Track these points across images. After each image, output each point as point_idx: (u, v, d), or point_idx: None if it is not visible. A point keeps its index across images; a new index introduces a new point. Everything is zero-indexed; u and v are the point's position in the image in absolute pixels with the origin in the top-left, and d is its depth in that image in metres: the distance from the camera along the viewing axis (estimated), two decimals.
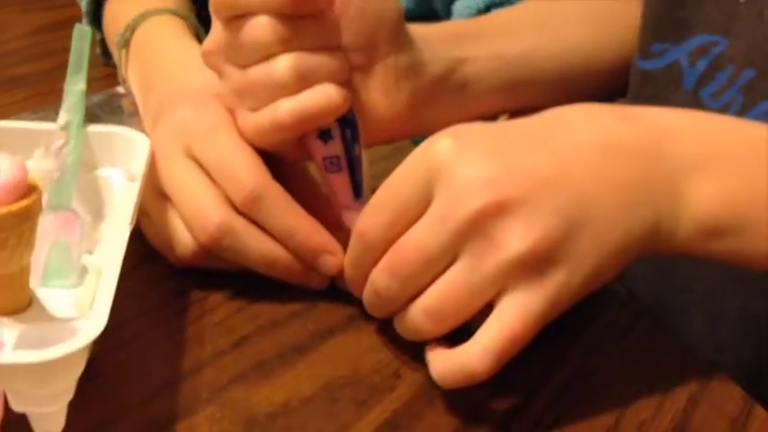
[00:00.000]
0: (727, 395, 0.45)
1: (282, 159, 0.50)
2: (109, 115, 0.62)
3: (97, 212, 0.48)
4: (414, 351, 0.46)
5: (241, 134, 0.48)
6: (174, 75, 0.55)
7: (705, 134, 0.43)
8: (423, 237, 0.40)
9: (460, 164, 0.40)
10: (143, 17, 0.61)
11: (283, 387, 0.43)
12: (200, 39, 0.61)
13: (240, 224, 0.46)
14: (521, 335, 0.40)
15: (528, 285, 0.39)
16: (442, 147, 0.41)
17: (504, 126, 0.43)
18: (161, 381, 0.43)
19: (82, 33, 0.50)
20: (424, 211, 0.41)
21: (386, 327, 0.48)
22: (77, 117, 0.48)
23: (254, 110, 0.47)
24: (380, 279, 0.42)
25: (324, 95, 0.46)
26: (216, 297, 0.48)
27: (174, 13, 0.62)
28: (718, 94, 0.56)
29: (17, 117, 0.62)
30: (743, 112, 0.54)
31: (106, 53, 0.70)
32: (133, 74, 0.61)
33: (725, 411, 0.44)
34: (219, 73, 0.48)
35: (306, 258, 0.48)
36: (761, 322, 0.58)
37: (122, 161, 0.49)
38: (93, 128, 0.50)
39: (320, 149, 0.48)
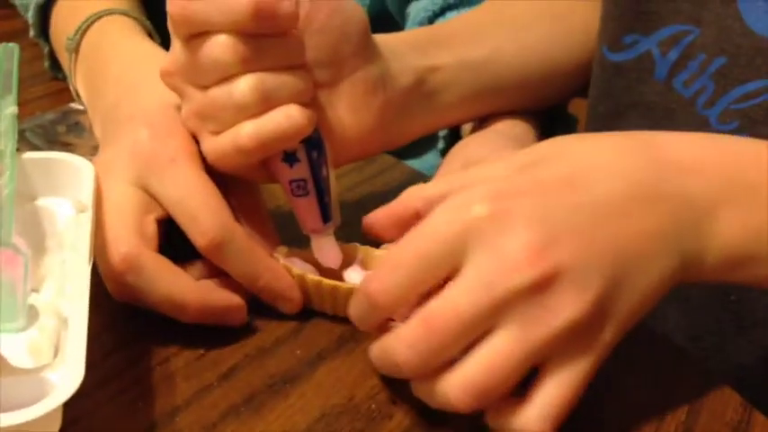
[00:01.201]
0: (725, 403, 0.45)
1: (235, 183, 0.48)
2: (68, 134, 0.59)
3: (39, 246, 0.45)
4: (384, 396, 0.44)
5: (204, 157, 0.46)
6: (127, 80, 0.53)
7: (725, 164, 0.42)
8: (459, 304, 0.38)
9: (503, 232, 0.38)
10: (95, 17, 0.58)
11: (277, 421, 0.42)
12: (153, 40, 0.59)
13: (149, 260, 0.44)
14: (574, 399, 0.39)
15: (576, 350, 0.38)
16: (479, 212, 0.39)
17: (535, 178, 0.40)
18: (143, 424, 0.41)
19: (9, 52, 0.47)
20: (447, 276, 0.39)
21: (355, 367, 0.46)
22: (11, 144, 0.45)
23: (217, 133, 0.45)
24: (402, 352, 0.39)
25: (286, 117, 0.44)
26: (197, 326, 0.46)
27: (126, 14, 0.59)
28: (690, 81, 0.56)
29: None
30: (715, 98, 0.55)
31: (55, 66, 0.67)
32: (82, 78, 0.58)
33: (725, 419, 0.44)
34: (180, 94, 0.46)
35: (265, 300, 0.47)
36: (734, 308, 0.59)
37: (65, 190, 0.46)
38: (30, 155, 0.47)
39: (286, 173, 0.46)
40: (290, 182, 0.46)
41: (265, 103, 0.43)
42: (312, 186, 0.46)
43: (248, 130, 0.43)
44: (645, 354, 0.48)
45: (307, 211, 0.47)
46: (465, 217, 0.39)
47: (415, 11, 0.74)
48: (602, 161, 0.41)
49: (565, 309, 0.37)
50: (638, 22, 0.57)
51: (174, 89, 0.46)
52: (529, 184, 0.40)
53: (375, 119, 0.48)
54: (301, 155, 0.45)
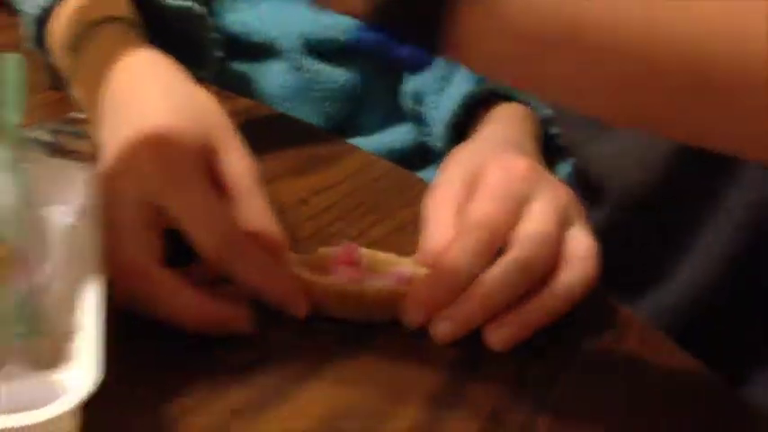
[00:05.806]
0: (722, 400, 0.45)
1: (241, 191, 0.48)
2: (69, 142, 0.60)
3: (42, 253, 0.44)
4: (389, 396, 0.44)
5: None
6: (129, 84, 0.53)
7: None
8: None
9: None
10: (95, 23, 0.59)
11: None
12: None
13: (155, 275, 0.45)
14: None
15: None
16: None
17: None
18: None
19: (19, 62, 0.47)
20: None
21: (360, 369, 0.46)
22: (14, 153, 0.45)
23: None
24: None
25: None
26: (173, 345, 0.45)
27: (127, 21, 0.60)
28: None
29: None
30: None
31: (55, 78, 0.67)
32: (82, 82, 0.59)
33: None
34: None
35: (272, 305, 0.48)
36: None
37: (67, 197, 0.46)
38: (31, 163, 0.45)
39: None
40: None
41: None
42: None
43: None
44: (639, 350, 0.48)
45: None
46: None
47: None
48: None
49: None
50: None
51: None
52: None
53: None
54: None
